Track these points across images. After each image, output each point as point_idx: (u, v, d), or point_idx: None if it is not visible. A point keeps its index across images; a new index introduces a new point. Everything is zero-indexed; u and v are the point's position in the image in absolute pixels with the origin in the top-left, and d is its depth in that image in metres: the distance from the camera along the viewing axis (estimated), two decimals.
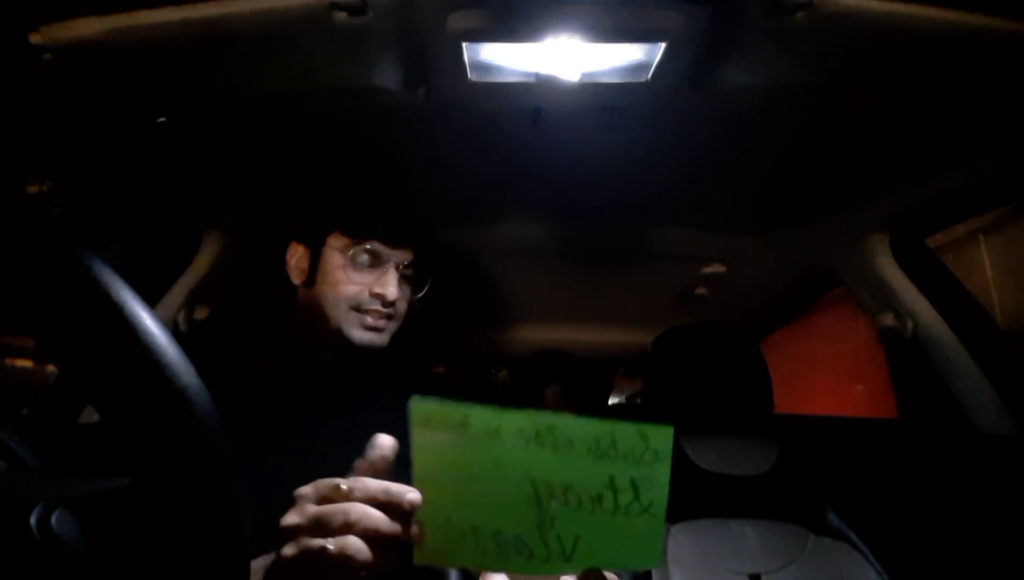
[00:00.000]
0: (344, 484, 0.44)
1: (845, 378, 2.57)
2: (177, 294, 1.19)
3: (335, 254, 0.83)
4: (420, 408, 0.44)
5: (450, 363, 2.35)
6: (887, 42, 0.65)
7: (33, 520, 0.29)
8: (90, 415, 1.13)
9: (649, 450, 0.44)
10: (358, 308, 0.82)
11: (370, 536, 0.43)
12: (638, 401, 3.21)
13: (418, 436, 0.44)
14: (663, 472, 0.44)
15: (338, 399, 0.81)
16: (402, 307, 0.86)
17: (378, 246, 0.83)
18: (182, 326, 1.18)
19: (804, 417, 2.06)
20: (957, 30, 0.63)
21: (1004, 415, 1.02)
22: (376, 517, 0.43)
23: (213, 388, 0.32)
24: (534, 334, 1.79)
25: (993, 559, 0.94)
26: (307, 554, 0.43)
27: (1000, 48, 0.65)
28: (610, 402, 3.21)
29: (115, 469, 0.31)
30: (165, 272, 1.21)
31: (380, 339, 0.84)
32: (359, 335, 0.82)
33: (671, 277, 1.50)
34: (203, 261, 1.20)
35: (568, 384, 1.54)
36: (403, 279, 0.85)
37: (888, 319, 1.14)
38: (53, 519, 0.29)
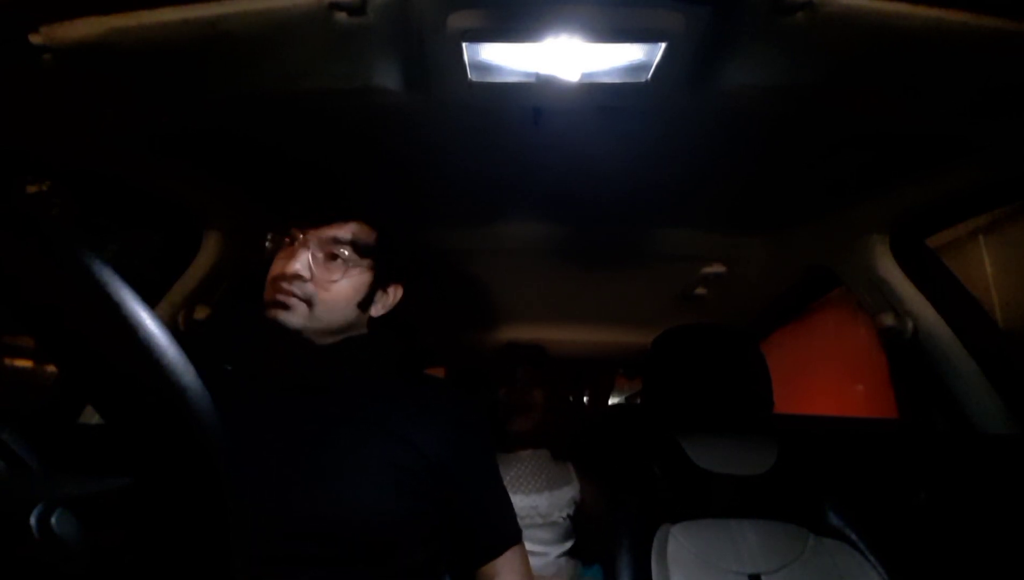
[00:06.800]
0: None
1: (845, 378, 2.56)
2: (177, 294, 1.19)
3: None
4: None
5: (450, 363, 2.35)
6: (887, 42, 0.65)
7: (33, 520, 0.29)
8: (90, 415, 1.13)
9: None
10: None
11: None
12: (638, 401, 3.20)
13: None
14: None
15: (332, 397, 0.80)
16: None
17: None
18: (182, 326, 1.18)
19: (804, 417, 2.06)
20: (958, 31, 0.63)
21: (1004, 415, 1.02)
22: None
23: (213, 388, 0.32)
24: (534, 334, 1.79)
25: (993, 559, 0.94)
26: None
27: (1001, 49, 0.65)
28: (610, 402, 3.21)
29: (115, 469, 0.31)
30: (165, 272, 1.21)
31: None
32: None
33: (671, 277, 1.50)
34: (203, 261, 1.20)
35: (537, 365, 1.56)
36: None
37: (888, 319, 1.14)
38: (53, 519, 0.29)
